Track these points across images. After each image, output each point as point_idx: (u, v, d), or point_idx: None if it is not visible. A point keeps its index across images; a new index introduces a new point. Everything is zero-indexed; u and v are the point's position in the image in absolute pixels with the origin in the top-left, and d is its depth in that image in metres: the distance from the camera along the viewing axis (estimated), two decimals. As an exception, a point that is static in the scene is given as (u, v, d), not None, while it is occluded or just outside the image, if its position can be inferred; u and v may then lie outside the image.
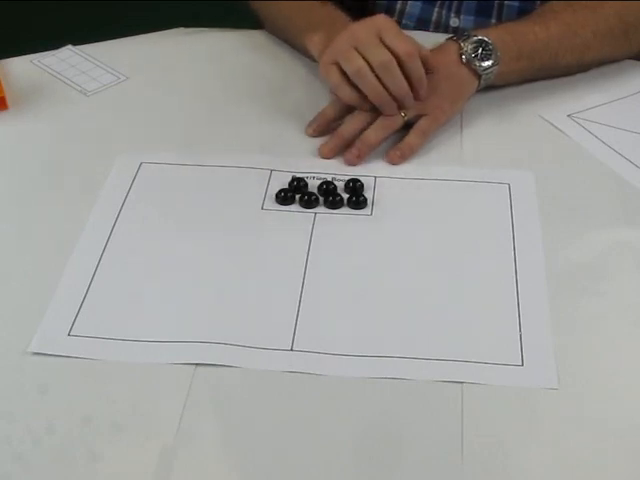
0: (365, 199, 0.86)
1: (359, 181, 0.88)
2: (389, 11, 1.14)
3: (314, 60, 1.00)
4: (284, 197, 0.86)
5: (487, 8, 1.09)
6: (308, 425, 0.68)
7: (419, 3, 1.12)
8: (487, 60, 0.95)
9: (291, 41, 1.09)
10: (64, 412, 0.68)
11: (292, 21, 1.07)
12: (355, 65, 0.89)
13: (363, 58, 0.89)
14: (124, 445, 0.66)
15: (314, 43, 0.99)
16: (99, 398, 0.69)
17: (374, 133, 0.91)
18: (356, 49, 0.89)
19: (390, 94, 0.90)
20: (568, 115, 0.98)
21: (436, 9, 1.11)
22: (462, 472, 0.64)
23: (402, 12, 1.13)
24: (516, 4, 1.07)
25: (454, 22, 1.11)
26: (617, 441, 0.67)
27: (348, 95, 0.91)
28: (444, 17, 1.11)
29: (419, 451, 0.66)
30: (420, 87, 0.91)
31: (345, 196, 0.87)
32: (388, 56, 0.89)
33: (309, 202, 0.86)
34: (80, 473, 0.65)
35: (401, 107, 0.92)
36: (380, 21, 0.91)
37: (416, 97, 0.91)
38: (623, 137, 0.95)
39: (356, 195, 0.87)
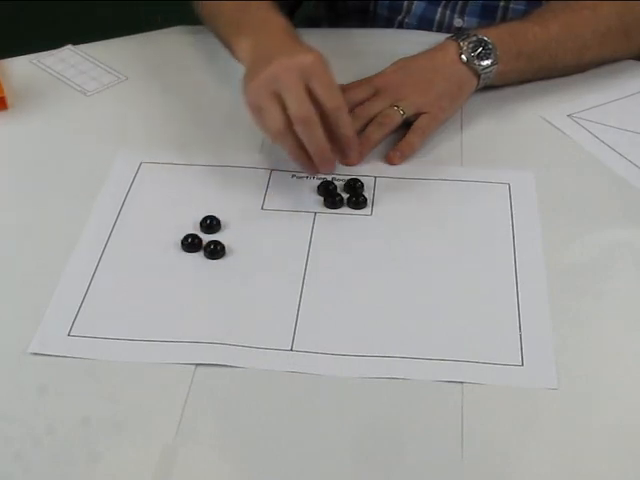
0: (365, 199, 0.86)
1: (359, 181, 0.88)
2: (392, 9, 1.13)
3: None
4: None
5: (492, 10, 1.09)
6: (308, 425, 0.68)
7: (423, 3, 1.12)
8: (486, 59, 0.95)
9: (222, 40, 1.01)
10: (64, 412, 0.68)
11: (223, 17, 0.99)
12: (273, 123, 0.83)
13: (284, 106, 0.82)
14: (124, 445, 0.66)
15: (242, 50, 0.92)
16: (99, 398, 0.69)
17: (373, 132, 0.91)
18: (277, 95, 0.82)
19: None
20: (568, 115, 0.98)
21: (440, 9, 1.11)
22: (462, 472, 0.64)
23: (408, 11, 1.13)
24: (521, 7, 1.07)
25: (458, 22, 1.10)
26: (617, 441, 0.67)
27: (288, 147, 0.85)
28: (447, 17, 1.11)
29: (419, 451, 0.66)
30: (348, 146, 0.86)
31: (345, 196, 0.87)
32: (310, 111, 0.82)
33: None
34: (80, 473, 0.65)
35: (320, 168, 0.86)
36: (310, 63, 0.83)
37: (343, 158, 0.87)
38: (623, 137, 0.95)
39: (356, 195, 0.87)
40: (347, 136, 0.86)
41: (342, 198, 0.86)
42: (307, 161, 0.85)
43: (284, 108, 0.82)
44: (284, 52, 0.86)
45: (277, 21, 0.93)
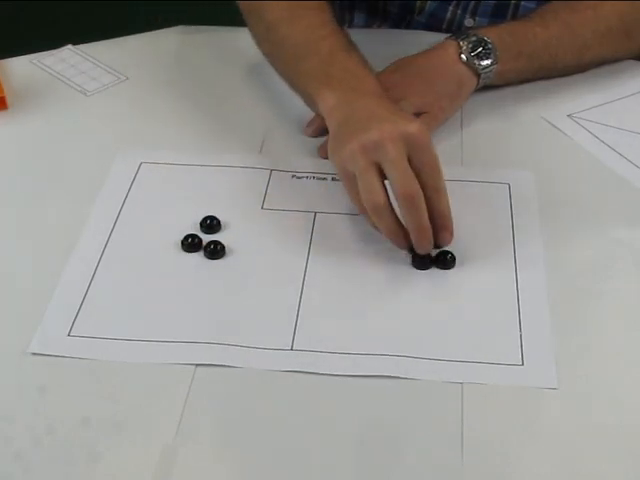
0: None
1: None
2: (405, 8, 1.12)
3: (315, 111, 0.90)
4: None
5: (504, 9, 1.07)
6: (308, 425, 0.68)
7: (435, 2, 1.10)
8: (486, 59, 0.95)
9: (291, 80, 0.94)
10: (64, 412, 0.68)
11: (303, 62, 0.90)
12: (373, 197, 0.76)
13: (383, 174, 0.76)
14: (124, 445, 0.66)
15: (326, 104, 0.85)
16: (99, 398, 0.69)
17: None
18: (377, 164, 0.76)
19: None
20: (568, 115, 0.98)
21: (451, 8, 1.10)
22: (462, 472, 0.64)
23: (420, 10, 1.11)
24: (532, 5, 1.06)
25: (469, 22, 1.09)
26: (617, 441, 0.67)
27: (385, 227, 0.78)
28: (458, 17, 1.10)
29: (419, 451, 0.66)
30: (444, 226, 0.78)
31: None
32: (417, 188, 0.75)
33: None
34: (80, 473, 0.65)
35: (417, 247, 0.78)
36: (415, 133, 0.76)
37: (437, 240, 0.78)
38: (623, 137, 0.95)
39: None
40: (445, 216, 0.78)
41: (342, 198, 0.86)
42: (403, 238, 0.78)
43: (383, 179, 0.77)
44: (384, 117, 0.79)
45: (369, 78, 0.86)
